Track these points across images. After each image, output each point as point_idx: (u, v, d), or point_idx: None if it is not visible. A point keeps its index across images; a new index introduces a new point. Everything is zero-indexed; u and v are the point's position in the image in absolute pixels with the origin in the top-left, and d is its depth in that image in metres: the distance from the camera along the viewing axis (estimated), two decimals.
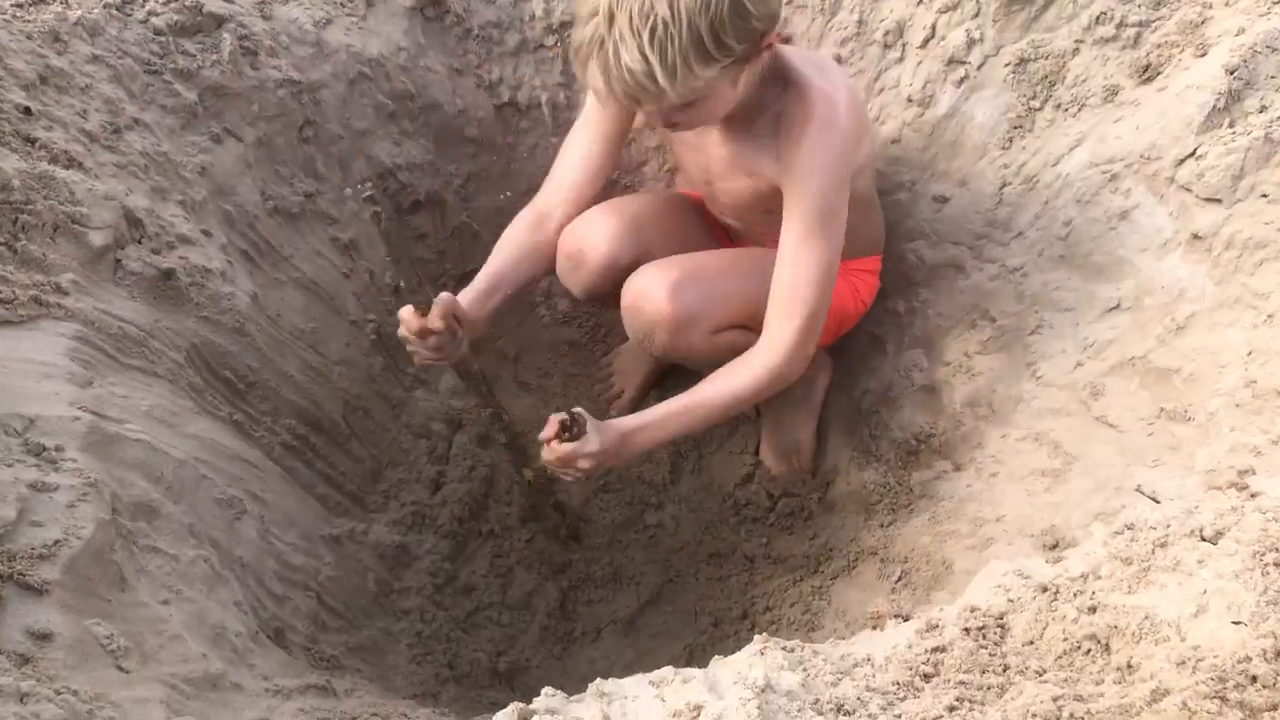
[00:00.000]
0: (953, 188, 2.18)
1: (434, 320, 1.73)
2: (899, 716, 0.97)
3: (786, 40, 1.80)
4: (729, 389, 1.80)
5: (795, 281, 1.78)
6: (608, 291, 2.00)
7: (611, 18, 1.49)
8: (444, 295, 1.75)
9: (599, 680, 1.13)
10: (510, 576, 2.20)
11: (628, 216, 2.01)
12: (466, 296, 1.83)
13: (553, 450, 1.72)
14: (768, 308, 1.81)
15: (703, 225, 2.17)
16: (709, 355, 1.92)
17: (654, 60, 1.49)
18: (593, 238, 1.97)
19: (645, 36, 1.48)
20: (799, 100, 1.74)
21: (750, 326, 1.87)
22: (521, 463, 2.09)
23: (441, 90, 2.36)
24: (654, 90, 1.53)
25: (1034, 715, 0.94)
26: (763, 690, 0.99)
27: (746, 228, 2.06)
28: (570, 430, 1.71)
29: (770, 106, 1.77)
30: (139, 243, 1.74)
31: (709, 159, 1.91)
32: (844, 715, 0.98)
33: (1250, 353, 1.62)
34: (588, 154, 1.92)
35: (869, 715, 0.97)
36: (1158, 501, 1.40)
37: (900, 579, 1.87)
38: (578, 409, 1.73)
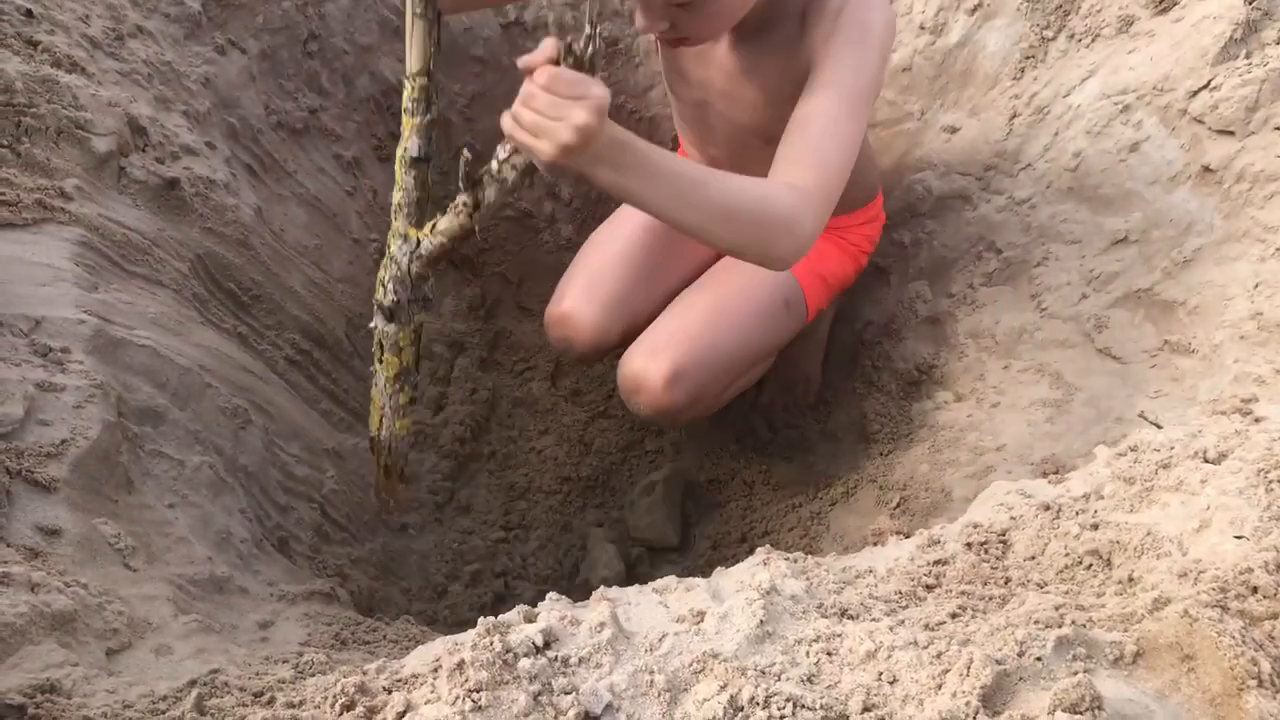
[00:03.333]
0: (963, 118, 2.17)
1: None
2: (903, 622, 0.98)
3: None
4: (746, 180, 1.34)
5: (814, 138, 1.41)
6: (604, 357, 2.03)
7: None
8: None
9: (602, 588, 1.13)
10: (510, 496, 2.21)
11: (607, 296, 1.91)
12: None
13: (551, 76, 1.16)
14: (774, 167, 1.42)
15: (679, 249, 1.99)
16: (718, 409, 1.96)
17: None
18: (576, 326, 1.91)
19: None
20: None
21: (754, 365, 1.89)
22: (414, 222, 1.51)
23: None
24: None
25: (1036, 622, 0.95)
26: (768, 593, 1.00)
27: (735, 166, 1.74)
28: (581, 55, 1.20)
29: (792, 8, 1.54)
30: (143, 151, 1.72)
31: (712, 71, 1.69)
32: (849, 619, 0.99)
33: (1257, 285, 1.62)
34: None
35: (873, 619, 0.98)
36: (1160, 427, 1.40)
37: (899, 505, 1.88)
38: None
